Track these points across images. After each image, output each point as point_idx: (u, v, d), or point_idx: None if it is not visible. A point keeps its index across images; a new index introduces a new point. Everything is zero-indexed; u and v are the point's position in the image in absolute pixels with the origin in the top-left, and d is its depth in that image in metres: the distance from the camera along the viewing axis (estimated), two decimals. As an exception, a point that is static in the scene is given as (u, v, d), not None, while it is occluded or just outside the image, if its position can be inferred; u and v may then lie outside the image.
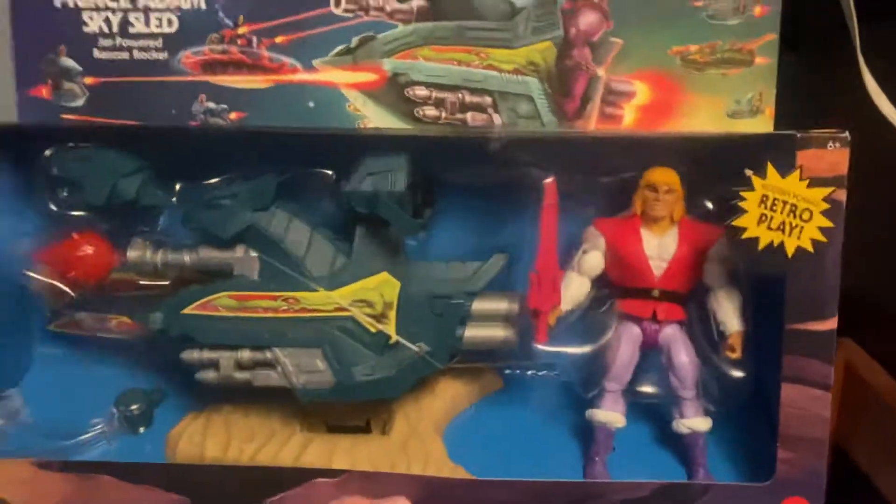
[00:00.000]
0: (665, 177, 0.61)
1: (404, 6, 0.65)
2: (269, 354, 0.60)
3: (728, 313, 0.61)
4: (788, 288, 0.55)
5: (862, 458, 0.77)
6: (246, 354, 0.61)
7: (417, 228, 0.60)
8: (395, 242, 0.62)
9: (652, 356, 0.63)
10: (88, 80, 0.66)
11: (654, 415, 0.65)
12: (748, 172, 0.55)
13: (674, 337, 0.62)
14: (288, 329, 0.60)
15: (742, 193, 0.55)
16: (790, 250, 0.55)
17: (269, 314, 0.60)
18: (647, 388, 0.64)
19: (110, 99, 0.66)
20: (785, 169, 0.55)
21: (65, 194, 0.61)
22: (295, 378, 0.60)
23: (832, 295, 0.55)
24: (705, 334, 0.63)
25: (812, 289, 0.55)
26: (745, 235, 0.56)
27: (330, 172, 0.63)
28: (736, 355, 0.61)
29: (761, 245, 0.55)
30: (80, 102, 0.67)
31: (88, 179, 0.60)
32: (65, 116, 0.67)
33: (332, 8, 0.65)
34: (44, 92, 0.67)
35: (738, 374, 0.62)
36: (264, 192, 0.61)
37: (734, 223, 0.55)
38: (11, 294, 0.62)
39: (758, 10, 0.65)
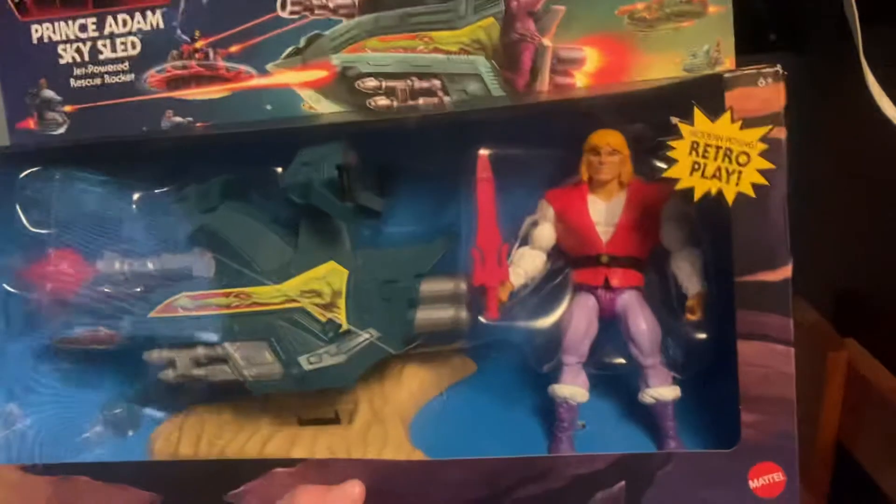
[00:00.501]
0: (607, 138, 0.59)
1: (347, 1, 0.66)
2: (220, 350, 0.62)
3: (687, 275, 0.58)
4: (734, 238, 0.51)
5: (864, 456, 0.73)
6: (201, 351, 0.62)
7: (353, 215, 0.60)
8: (339, 232, 0.62)
9: (613, 326, 0.60)
10: (68, 108, 0.71)
11: (621, 387, 0.62)
12: (674, 120, 0.52)
13: (630, 303, 0.59)
14: (237, 324, 0.61)
15: (670, 142, 0.52)
16: (730, 197, 0.51)
17: (222, 311, 0.62)
18: (610, 360, 0.61)
19: (88, 123, 0.70)
20: (716, 113, 0.52)
21: (36, 213, 0.65)
22: (245, 371, 0.61)
23: (782, 241, 0.51)
24: (666, 300, 0.60)
25: (759, 237, 0.51)
26: (678, 186, 0.52)
27: (279, 170, 0.64)
28: (696, 317, 0.57)
29: (697, 195, 0.52)
30: (62, 130, 0.71)
31: (55, 198, 0.64)
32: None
33: (279, 12, 0.67)
34: (31, 123, 0.71)
35: (700, 336, 0.58)
36: (210, 194, 0.63)
37: (666, 174, 0.52)
38: (7, 310, 0.66)
39: (705, -43, 0.61)
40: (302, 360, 0.59)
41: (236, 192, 0.64)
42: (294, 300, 0.61)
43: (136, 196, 0.65)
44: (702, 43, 0.63)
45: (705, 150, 0.51)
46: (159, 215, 0.63)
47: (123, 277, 0.64)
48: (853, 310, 0.52)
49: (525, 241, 0.61)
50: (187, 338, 0.61)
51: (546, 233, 0.61)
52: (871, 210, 0.58)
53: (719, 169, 0.51)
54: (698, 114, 0.52)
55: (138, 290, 0.63)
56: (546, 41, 0.64)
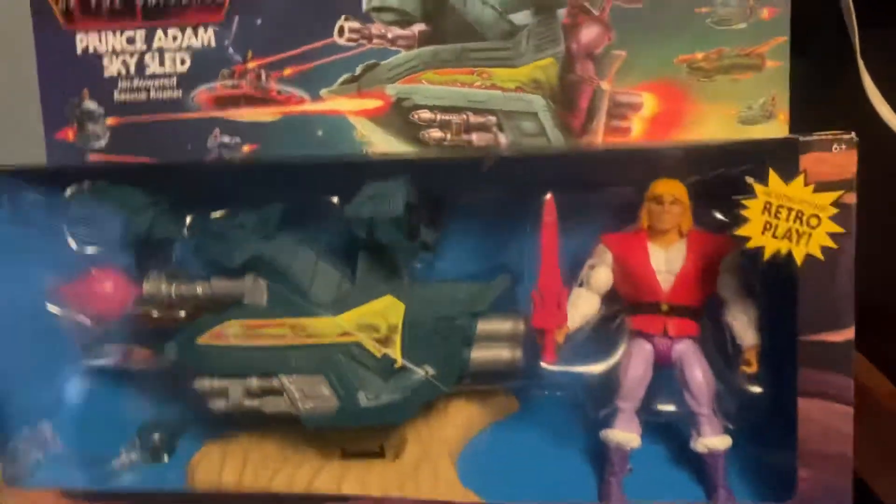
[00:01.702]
0: (670, 188, 0.60)
1: (406, 32, 0.66)
2: (275, 382, 0.61)
3: (743, 326, 0.59)
4: (800, 298, 0.53)
5: (860, 463, 0.73)
6: (254, 382, 0.62)
7: (415, 252, 0.60)
8: (398, 265, 0.62)
9: (666, 373, 0.61)
10: (110, 121, 0.69)
11: (671, 433, 0.63)
12: (749, 180, 0.53)
13: (687, 353, 0.60)
14: (294, 356, 0.61)
15: (744, 202, 0.53)
16: (799, 258, 0.53)
17: (276, 342, 0.61)
18: (663, 407, 0.62)
19: (130, 138, 0.69)
20: (790, 174, 0.53)
21: (83, 232, 0.63)
22: (301, 404, 0.61)
23: (847, 303, 0.53)
24: (720, 349, 0.61)
25: (825, 298, 0.53)
26: (749, 245, 0.54)
27: (335, 199, 0.63)
28: (752, 370, 0.59)
29: (767, 254, 0.53)
30: (102, 143, 0.70)
31: (103, 216, 0.62)
32: (90, 157, 0.70)
33: (336, 38, 0.66)
34: (70, 134, 0.70)
35: (755, 389, 0.60)
36: (268, 221, 0.63)
37: (738, 232, 0.54)
38: (42, 329, 0.65)
39: (765, 12, 0.63)
40: (360, 396, 0.59)
41: (296, 221, 0.64)
42: (351, 334, 0.60)
43: (188, 219, 0.64)
44: (757, 96, 0.64)
45: (777, 211, 0.53)
46: (212, 240, 0.62)
47: (169, 300, 0.63)
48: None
49: (581, 283, 0.62)
50: (239, 367, 0.60)
51: (603, 276, 0.62)
52: (871, 217, 0.59)
53: (790, 230, 0.53)
54: (773, 175, 0.53)
55: (183, 314, 0.62)
56: (604, 85, 0.65)
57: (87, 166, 0.67)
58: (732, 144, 0.59)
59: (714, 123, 0.64)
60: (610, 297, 0.62)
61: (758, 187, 0.53)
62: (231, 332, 0.61)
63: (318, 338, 0.61)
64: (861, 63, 0.59)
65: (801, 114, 0.63)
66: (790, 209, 0.53)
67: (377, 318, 0.61)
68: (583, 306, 0.61)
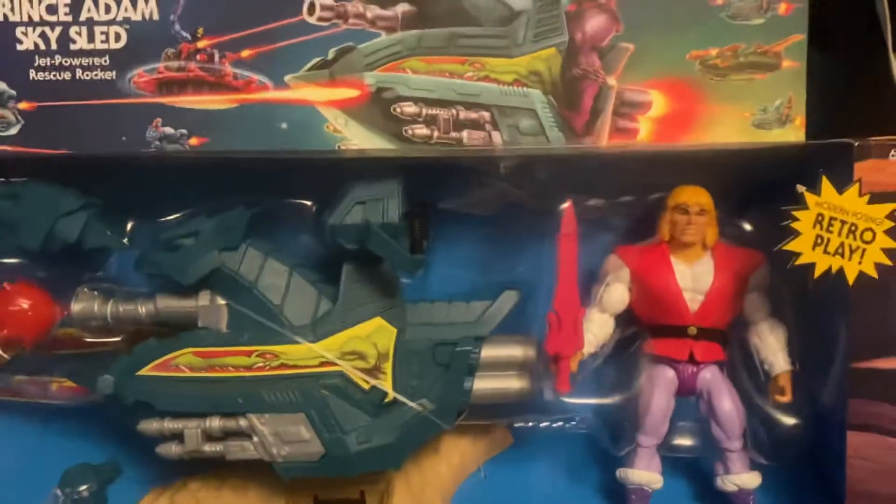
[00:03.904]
0: (696, 196, 0.54)
1: (388, 12, 0.57)
2: (242, 422, 0.51)
3: (773, 350, 0.54)
4: (850, 320, 0.47)
5: None
6: (215, 423, 0.51)
7: (417, 265, 0.52)
8: (390, 281, 0.53)
9: (685, 402, 0.55)
10: (23, 105, 0.57)
11: (692, 469, 0.57)
12: (800, 189, 0.47)
13: (714, 381, 0.54)
14: (265, 390, 0.51)
15: (794, 213, 0.47)
16: (851, 276, 0.47)
17: (242, 373, 0.51)
18: (684, 441, 0.56)
19: (49, 126, 0.57)
20: (841, 183, 0.48)
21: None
22: (275, 449, 0.51)
23: (902, 326, 0.48)
24: (749, 375, 0.55)
25: (878, 320, 0.48)
26: (799, 261, 0.48)
27: (308, 202, 0.54)
28: (786, 398, 0.53)
29: (818, 272, 0.48)
30: (13, 131, 0.57)
31: (21, 220, 0.51)
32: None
33: (305, 16, 0.57)
34: (-29, 118, 0.57)
35: (790, 420, 0.54)
36: (233, 229, 0.53)
37: (786, 247, 0.48)
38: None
39: (783, 7, 0.58)
40: (349, 439, 0.50)
41: (261, 228, 0.54)
42: (333, 363, 0.51)
43: (129, 225, 0.53)
44: (773, 97, 0.59)
45: (830, 224, 0.47)
46: (160, 251, 0.51)
47: (103, 322, 0.51)
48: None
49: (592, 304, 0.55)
50: (196, 405, 0.50)
51: (618, 295, 0.55)
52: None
53: (842, 245, 0.48)
54: (826, 184, 0.47)
55: (120, 339, 0.51)
56: (611, 80, 0.58)
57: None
58: (776, 149, 0.53)
59: (727, 126, 0.59)
60: (624, 318, 0.56)
61: (810, 197, 0.48)
62: (184, 363, 0.51)
63: (293, 368, 0.51)
64: (892, 56, 0.54)
65: (820, 118, 0.59)
66: (843, 222, 0.47)
67: (364, 345, 0.51)
68: (597, 329, 0.54)
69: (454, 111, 0.58)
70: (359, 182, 0.51)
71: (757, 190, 0.52)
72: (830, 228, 0.48)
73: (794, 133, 0.59)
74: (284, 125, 0.58)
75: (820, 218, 0.48)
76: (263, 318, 0.51)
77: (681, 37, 0.58)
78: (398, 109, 0.58)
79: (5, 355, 0.51)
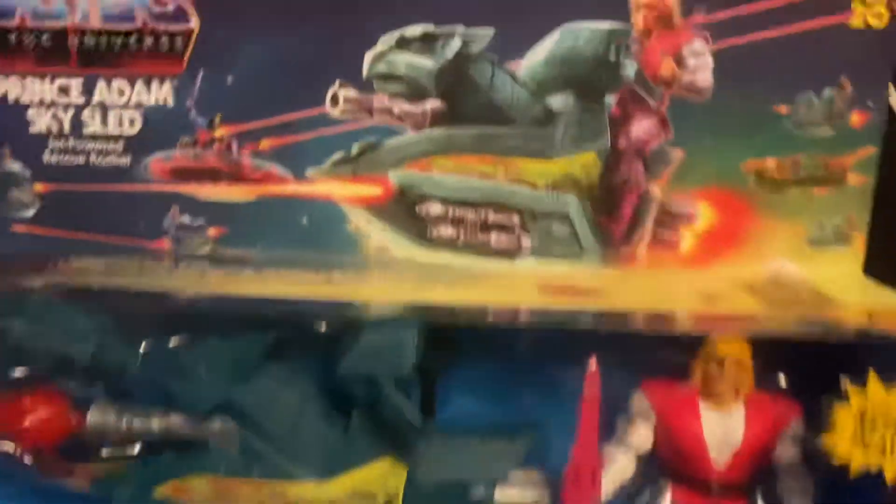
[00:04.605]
0: (734, 351, 0.50)
1: (416, 108, 0.53)
2: (252, 559, 0.52)
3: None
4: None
5: None
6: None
7: (426, 430, 0.50)
8: (400, 417, 0.52)
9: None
10: (39, 188, 0.56)
11: None
12: (845, 384, 0.44)
13: (735, 539, 0.52)
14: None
15: (836, 406, 0.44)
16: (890, 475, 0.44)
17: (253, 513, 0.51)
18: None
19: (65, 208, 0.56)
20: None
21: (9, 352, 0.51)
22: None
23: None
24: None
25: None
26: (836, 458, 0.45)
27: (323, 329, 0.52)
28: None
29: (854, 469, 0.45)
30: (30, 212, 0.56)
31: (34, 341, 0.50)
32: (15, 228, 0.56)
33: (328, 108, 0.53)
34: (-12, 199, 0.56)
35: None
36: (246, 358, 0.51)
37: (825, 440, 0.45)
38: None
39: (855, 118, 0.52)
40: None
41: (274, 354, 0.52)
42: (341, 505, 0.50)
43: (142, 346, 0.52)
44: (832, 215, 0.54)
45: (873, 422, 0.44)
46: (173, 377, 0.51)
47: (118, 435, 0.52)
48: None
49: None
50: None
51: (644, 436, 0.53)
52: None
53: (884, 442, 0.44)
54: (874, 380, 0.44)
55: (136, 451, 0.52)
56: (655, 188, 0.54)
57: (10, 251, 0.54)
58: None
59: (779, 242, 0.55)
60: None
61: (854, 393, 0.44)
62: (197, 489, 0.51)
63: (302, 512, 0.51)
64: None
65: (883, 237, 0.54)
66: (887, 419, 0.44)
67: (374, 486, 0.51)
68: (618, 470, 0.52)
69: (483, 213, 0.55)
70: (372, 328, 0.49)
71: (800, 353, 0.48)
72: (874, 426, 0.45)
73: (850, 254, 0.55)
74: (305, 220, 0.55)
75: (862, 415, 0.44)
76: (273, 449, 0.51)
77: (737, 145, 0.53)
78: (423, 209, 0.55)
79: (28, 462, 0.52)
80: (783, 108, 0.52)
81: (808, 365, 0.49)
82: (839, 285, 0.54)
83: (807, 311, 0.48)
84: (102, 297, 0.51)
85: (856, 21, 0.50)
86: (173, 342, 0.52)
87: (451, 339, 0.51)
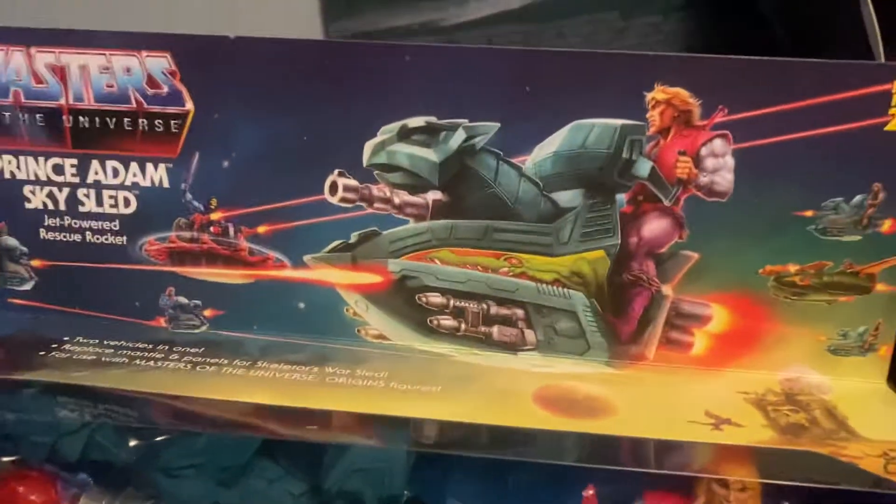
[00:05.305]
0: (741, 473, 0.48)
1: (417, 199, 0.51)
2: None
3: None
4: None
5: None
6: None
7: None
8: None
9: None
10: (35, 263, 0.55)
11: None
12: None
13: None
14: None
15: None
16: None
17: None
18: None
19: (62, 284, 0.55)
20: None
21: None
22: None
23: None
24: None
25: None
26: None
27: (310, 438, 0.50)
28: None
29: None
30: (27, 287, 0.55)
31: (26, 436, 0.50)
32: (11, 300, 0.56)
33: (327, 196, 0.51)
34: (-14, 273, 0.55)
35: None
36: (234, 461, 0.50)
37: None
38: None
39: (887, 225, 0.48)
40: None
41: (263, 454, 0.51)
42: None
43: (131, 443, 0.51)
44: (857, 323, 0.51)
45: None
46: (161, 477, 0.50)
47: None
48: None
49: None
50: None
51: (642, 552, 0.51)
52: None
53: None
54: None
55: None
56: (666, 289, 0.51)
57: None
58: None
59: (796, 349, 0.52)
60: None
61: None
62: (185, 587, 0.50)
63: None
64: None
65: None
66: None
67: None
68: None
69: (485, 305, 0.53)
70: (360, 446, 0.47)
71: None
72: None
73: (876, 365, 0.52)
74: (302, 305, 0.54)
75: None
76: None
77: (755, 249, 0.50)
78: (424, 299, 0.53)
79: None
80: (807, 212, 0.49)
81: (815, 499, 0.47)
82: (860, 396, 0.51)
83: (812, 441, 0.46)
84: (92, 393, 0.51)
85: (893, 125, 0.47)
86: (161, 439, 0.51)
87: (441, 463, 0.49)
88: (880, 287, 0.50)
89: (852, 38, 0.51)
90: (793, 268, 0.50)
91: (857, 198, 0.48)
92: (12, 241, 0.55)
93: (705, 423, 0.46)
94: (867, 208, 0.48)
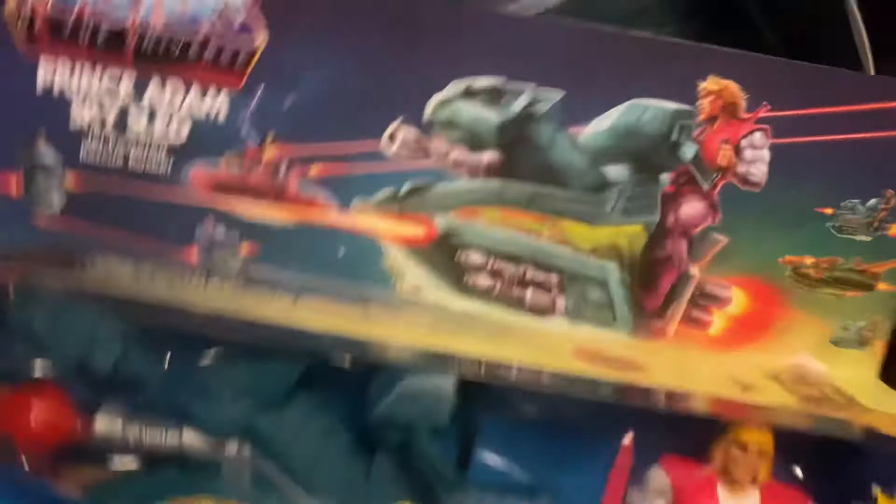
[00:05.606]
0: (758, 438, 0.51)
1: (473, 158, 0.53)
2: None
3: None
4: None
5: None
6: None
7: (460, 485, 0.49)
8: (424, 470, 0.51)
9: None
10: (69, 184, 0.53)
11: None
12: (876, 491, 0.45)
13: None
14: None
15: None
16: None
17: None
18: None
19: (94, 207, 0.54)
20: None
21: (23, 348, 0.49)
22: None
23: None
24: None
25: None
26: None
27: (347, 360, 0.51)
28: None
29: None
30: (55, 209, 0.54)
31: (55, 342, 0.48)
32: (37, 221, 0.54)
33: (385, 145, 0.52)
34: (12, 185, 0.54)
35: None
36: (273, 388, 0.50)
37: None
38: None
39: (894, 228, 0.53)
40: None
41: (303, 386, 0.51)
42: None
43: (167, 361, 0.50)
44: (858, 318, 0.56)
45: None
46: (193, 395, 0.49)
47: (123, 445, 0.50)
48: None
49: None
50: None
51: (662, 509, 0.53)
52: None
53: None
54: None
55: (138, 464, 0.50)
56: (694, 269, 0.54)
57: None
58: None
59: (804, 337, 0.56)
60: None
61: (883, 499, 0.45)
62: (203, 515, 0.49)
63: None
64: None
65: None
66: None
67: (388, 536, 0.50)
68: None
69: (522, 268, 0.55)
70: (409, 373, 0.48)
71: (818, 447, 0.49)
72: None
73: (868, 359, 0.56)
74: (341, 252, 0.54)
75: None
76: (290, 480, 0.50)
77: (778, 239, 0.54)
78: (464, 257, 0.55)
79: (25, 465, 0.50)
80: (827, 210, 0.53)
81: (826, 460, 0.50)
82: (853, 386, 0.55)
83: (830, 409, 0.50)
84: (128, 305, 0.50)
85: (911, 138, 0.52)
86: (202, 360, 0.50)
87: (486, 395, 0.50)
88: (882, 286, 0.55)
89: (840, 53, 0.56)
90: (808, 260, 0.54)
91: (872, 201, 0.53)
92: (50, 160, 0.53)
93: (732, 386, 0.49)
94: (879, 211, 0.53)
